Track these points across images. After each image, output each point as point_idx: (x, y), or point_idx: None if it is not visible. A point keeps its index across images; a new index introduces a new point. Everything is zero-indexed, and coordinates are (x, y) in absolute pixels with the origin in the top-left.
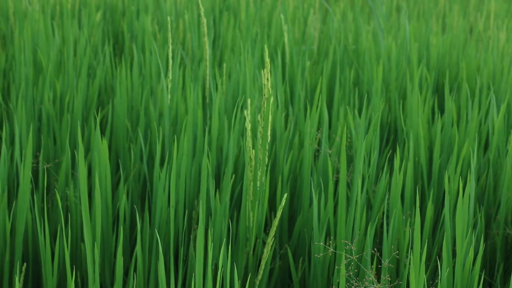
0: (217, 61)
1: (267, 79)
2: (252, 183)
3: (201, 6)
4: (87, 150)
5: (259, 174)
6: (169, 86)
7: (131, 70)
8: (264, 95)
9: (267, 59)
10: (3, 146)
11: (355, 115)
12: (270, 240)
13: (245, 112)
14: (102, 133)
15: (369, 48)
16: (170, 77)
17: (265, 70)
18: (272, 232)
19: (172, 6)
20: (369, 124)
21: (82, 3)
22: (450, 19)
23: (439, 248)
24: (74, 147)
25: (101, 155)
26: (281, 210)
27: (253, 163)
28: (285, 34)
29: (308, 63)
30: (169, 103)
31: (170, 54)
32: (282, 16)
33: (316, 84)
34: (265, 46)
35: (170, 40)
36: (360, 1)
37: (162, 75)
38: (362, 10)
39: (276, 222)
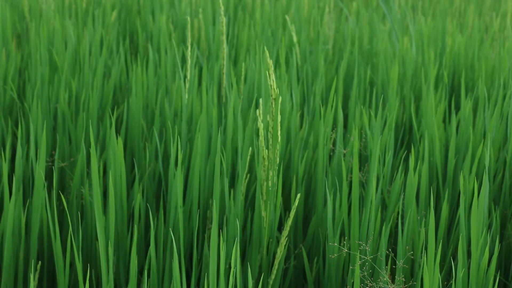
0: (232, 61)
1: (273, 80)
2: (265, 183)
3: (221, 5)
4: (103, 149)
5: (271, 173)
6: (185, 85)
7: (146, 69)
8: (271, 96)
9: (269, 61)
10: (19, 144)
11: (370, 115)
12: (283, 240)
13: (257, 112)
14: (118, 132)
15: (384, 48)
16: (183, 77)
17: (270, 71)
18: (286, 232)
19: (187, 6)
20: (384, 124)
21: (97, 2)
22: (466, 19)
23: (454, 249)
24: (89, 146)
25: (116, 154)
26: (295, 209)
27: (266, 163)
28: (294, 35)
29: (323, 63)
30: (184, 102)
31: (189, 53)
32: (287, 17)
33: (332, 83)
34: (264, 47)
35: (189, 40)
36: (375, 0)
37: (177, 74)
38: (376, 9)
39: (289, 222)
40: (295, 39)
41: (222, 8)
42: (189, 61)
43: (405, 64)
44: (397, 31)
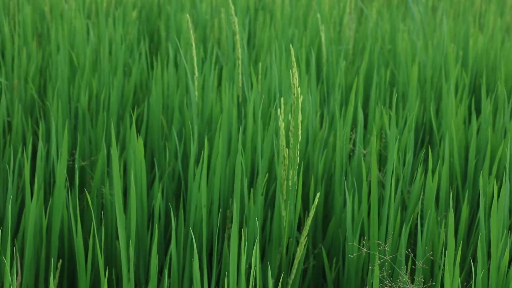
0: (252, 61)
1: (296, 78)
2: (285, 182)
3: (231, 5)
4: (123, 148)
5: (291, 173)
6: (196, 84)
7: (167, 69)
8: (294, 95)
9: (293, 59)
10: (40, 143)
11: (390, 116)
12: (303, 240)
13: (278, 111)
14: (138, 131)
15: (405, 48)
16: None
17: (293, 69)
18: (305, 232)
19: (208, 6)
20: (404, 125)
21: (117, 2)
22: (487, 19)
23: (474, 250)
24: (109, 145)
25: (136, 153)
26: (314, 209)
27: (286, 162)
28: (323, 34)
29: (343, 63)
30: (196, 101)
31: (194, 51)
32: (318, 15)
33: (352, 84)
34: (290, 45)
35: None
36: (396, 0)
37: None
38: (397, 8)
39: (309, 222)
40: (323, 38)
41: (233, 8)
42: (195, 59)
43: (426, 64)
44: (424, 30)
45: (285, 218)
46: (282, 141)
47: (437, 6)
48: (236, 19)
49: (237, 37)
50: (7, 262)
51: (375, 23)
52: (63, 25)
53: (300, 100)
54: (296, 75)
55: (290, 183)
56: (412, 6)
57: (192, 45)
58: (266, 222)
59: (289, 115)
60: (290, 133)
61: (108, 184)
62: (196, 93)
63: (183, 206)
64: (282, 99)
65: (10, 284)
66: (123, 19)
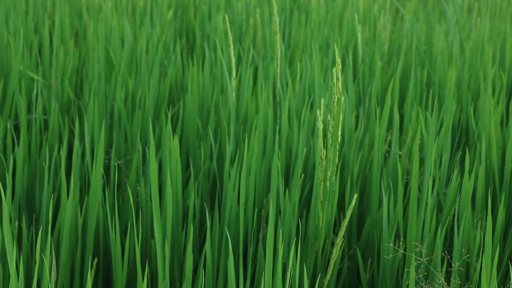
0: (287, 61)
1: (337, 78)
2: (322, 183)
3: (274, 4)
4: (158, 147)
5: (329, 174)
6: (234, 84)
7: (202, 69)
8: (334, 95)
9: (337, 59)
10: (76, 142)
11: (426, 117)
12: (339, 241)
13: (317, 111)
14: (173, 130)
15: (441, 49)
16: (234, 75)
17: (335, 69)
18: (341, 233)
19: (243, 5)
20: (441, 126)
21: (154, 1)
22: None
23: (511, 252)
24: (145, 144)
25: (172, 153)
26: (351, 210)
27: (323, 163)
28: (359, 34)
29: (379, 63)
30: (233, 101)
31: (231, 52)
32: (356, 15)
33: (388, 84)
34: (335, 45)
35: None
36: (431, 0)
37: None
38: (433, 9)
39: (345, 223)
40: (359, 38)
41: (276, 7)
42: (233, 59)
43: (463, 65)
44: (460, 31)
45: (321, 219)
46: (320, 142)
47: (473, 6)
48: (277, 19)
49: (278, 37)
50: (46, 259)
51: (411, 23)
52: (100, 24)
53: (342, 100)
54: (339, 74)
55: (328, 184)
56: (447, 7)
57: (230, 45)
58: (300, 223)
59: (327, 116)
60: (329, 133)
61: (143, 183)
62: (234, 94)
63: (218, 206)
64: (322, 100)
65: (48, 281)
66: (160, 18)
